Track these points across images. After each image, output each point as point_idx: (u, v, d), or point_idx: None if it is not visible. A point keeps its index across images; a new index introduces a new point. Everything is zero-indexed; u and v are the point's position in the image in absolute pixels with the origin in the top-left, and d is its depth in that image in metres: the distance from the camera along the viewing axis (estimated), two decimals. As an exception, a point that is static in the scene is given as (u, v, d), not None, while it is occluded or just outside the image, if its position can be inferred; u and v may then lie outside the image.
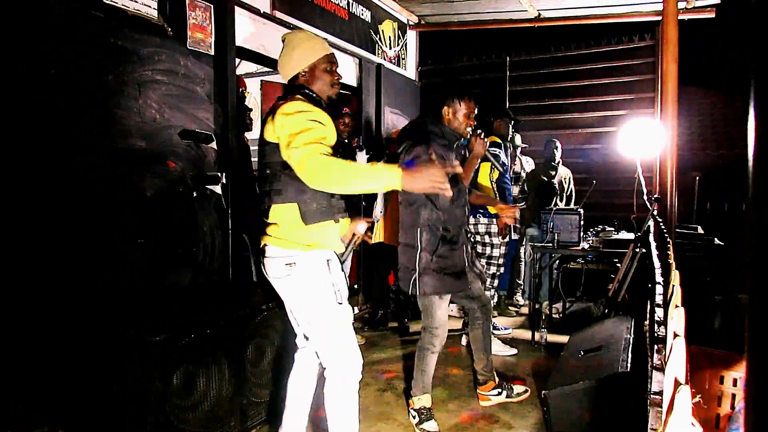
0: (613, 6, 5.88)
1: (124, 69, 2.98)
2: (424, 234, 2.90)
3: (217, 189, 3.59)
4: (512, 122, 4.81)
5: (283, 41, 2.35)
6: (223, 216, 3.63)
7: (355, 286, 5.53)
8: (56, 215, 2.64)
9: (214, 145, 3.57)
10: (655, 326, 1.21)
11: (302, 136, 2.00)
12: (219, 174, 3.60)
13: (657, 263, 2.20)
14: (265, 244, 2.25)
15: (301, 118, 2.06)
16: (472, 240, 3.92)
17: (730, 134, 9.97)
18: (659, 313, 1.31)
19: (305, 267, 2.18)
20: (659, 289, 1.62)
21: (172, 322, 2.49)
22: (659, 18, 5.78)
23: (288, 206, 2.16)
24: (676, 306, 0.97)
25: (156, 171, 3.16)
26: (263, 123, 2.26)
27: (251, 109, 4.81)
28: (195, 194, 3.42)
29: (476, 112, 3.03)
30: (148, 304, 2.96)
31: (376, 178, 1.91)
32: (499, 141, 4.60)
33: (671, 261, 1.63)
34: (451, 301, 3.14)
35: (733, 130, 9.99)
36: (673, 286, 1.15)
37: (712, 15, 5.72)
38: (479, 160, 3.34)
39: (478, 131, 3.12)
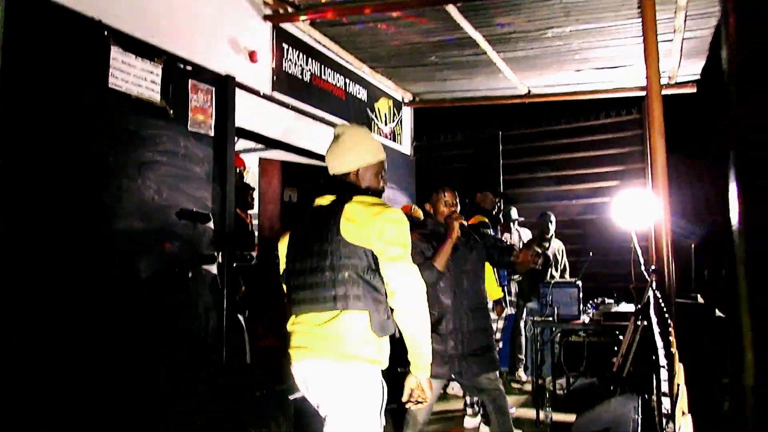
0: (599, 82, 6.12)
1: (125, 150, 3.04)
2: None
3: (213, 269, 3.57)
4: (497, 196, 4.82)
5: (337, 135, 2.25)
6: (219, 296, 3.59)
7: None
8: (47, 298, 2.61)
9: (211, 224, 3.58)
10: (663, 422, 1.18)
11: (408, 251, 1.98)
12: (215, 254, 3.59)
13: (660, 343, 2.16)
14: (309, 359, 2.02)
15: (406, 231, 2.00)
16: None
17: (721, 201, 10.08)
18: (666, 404, 1.28)
19: (368, 384, 1.97)
20: (663, 374, 1.58)
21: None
22: (644, 93, 6.00)
23: (361, 314, 1.95)
24: (683, 413, 0.94)
25: (152, 251, 3.15)
26: (331, 219, 2.04)
27: (254, 188, 4.87)
28: (190, 274, 3.40)
29: (456, 199, 3.18)
30: (137, 390, 2.87)
31: (425, 349, 1.99)
32: (485, 219, 4.59)
33: (674, 350, 1.60)
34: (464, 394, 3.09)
35: (724, 198, 10.11)
36: (678, 385, 1.13)
37: (694, 90, 5.96)
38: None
39: (457, 213, 3.15)
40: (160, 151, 3.26)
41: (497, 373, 3.22)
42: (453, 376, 3.03)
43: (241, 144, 5.95)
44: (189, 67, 3.54)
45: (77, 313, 2.72)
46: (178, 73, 3.44)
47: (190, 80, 3.54)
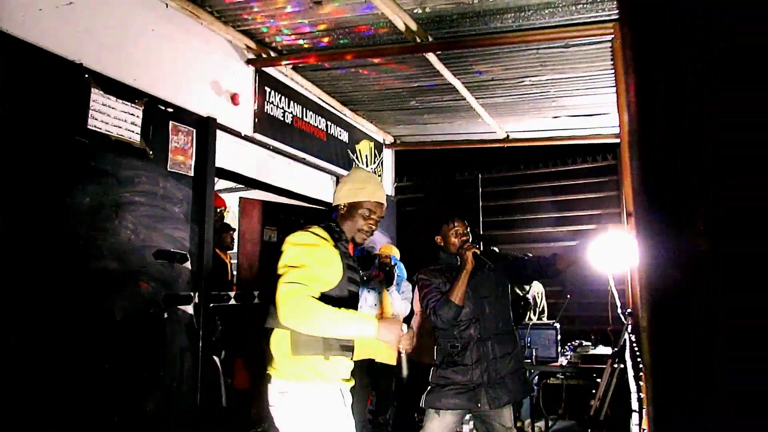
0: (576, 129, 6.29)
1: (102, 191, 3.03)
2: (437, 350, 3.11)
3: (190, 309, 3.53)
4: (476, 238, 4.84)
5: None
6: (194, 337, 3.54)
7: None
8: (18, 339, 2.55)
9: (188, 264, 3.56)
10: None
11: (294, 272, 2.01)
12: (192, 294, 3.56)
13: (633, 387, 2.18)
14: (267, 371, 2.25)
15: (301, 253, 2.09)
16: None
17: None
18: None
19: (294, 400, 2.11)
20: (635, 418, 1.59)
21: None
22: (618, 140, 6.17)
23: (283, 333, 2.13)
24: None
25: (127, 292, 3.12)
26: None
27: (234, 229, 4.86)
28: (166, 315, 3.35)
29: (467, 228, 3.18)
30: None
31: (351, 326, 2.01)
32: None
33: (643, 394, 1.62)
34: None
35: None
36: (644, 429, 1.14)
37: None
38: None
39: (466, 243, 3.09)
40: (138, 191, 3.26)
41: (512, 415, 3.10)
42: (471, 407, 2.95)
43: (221, 184, 5.98)
44: (170, 109, 3.57)
45: (48, 353, 2.65)
46: (159, 114, 3.47)
47: (171, 122, 3.57)
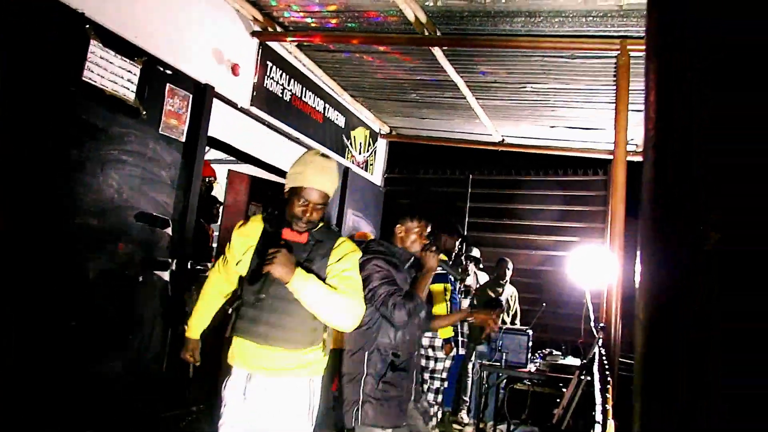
0: (571, 140, 6.32)
1: (90, 145, 2.98)
2: (371, 358, 2.63)
3: (165, 276, 3.49)
4: (458, 238, 4.76)
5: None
6: (168, 304, 3.51)
7: None
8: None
9: (169, 230, 3.52)
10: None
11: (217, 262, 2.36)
12: (169, 260, 3.52)
13: (598, 400, 2.20)
14: None
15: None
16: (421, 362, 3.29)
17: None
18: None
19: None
20: (597, 430, 1.61)
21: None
22: (611, 156, 6.21)
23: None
24: None
25: (104, 251, 3.07)
26: None
27: (221, 203, 4.81)
28: (141, 279, 3.32)
29: (428, 230, 2.87)
30: (70, 391, 2.76)
31: None
32: (444, 258, 4.53)
33: (608, 407, 1.64)
34: None
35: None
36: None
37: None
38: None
39: (431, 246, 2.83)
40: (126, 150, 3.21)
41: None
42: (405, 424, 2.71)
43: (211, 154, 5.91)
44: (169, 71, 3.52)
45: (14, 305, 2.61)
46: (156, 75, 3.42)
47: (168, 84, 3.51)
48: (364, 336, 2.62)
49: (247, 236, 2.16)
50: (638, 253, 0.43)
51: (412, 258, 2.81)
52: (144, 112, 3.33)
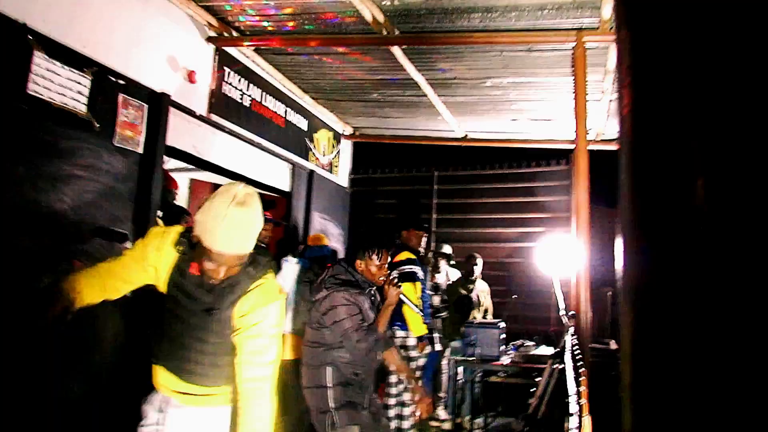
0: (533, 132, 6.40)
1: (40, 161, 2.86)
2: (332, 372, 2.86)
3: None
4: (425, 233, 4.75)
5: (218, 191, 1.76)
6: (130, 321, 3.40)
7: None
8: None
9: (129, 244, 3.42)
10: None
11: None
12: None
13: (572, 389, 2.22)
14: None
15: None
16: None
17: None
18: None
19: None
20: (573, 421, 1.62)
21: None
22: (573, 146, 6.32)
23: None
24: None
25: (60, 270, 2.95)
26: None
27: (190, 214, 4.69)
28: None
29: (389, 260, 3.11)
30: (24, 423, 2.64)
31: None
32: (413, 257, 4.48)
33: (583, 401, 1.64)
34: None
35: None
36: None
37: (618, 147, 6.32)
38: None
39: (393, 279, 3.13)
40: (80, 164, 3.10)
41: None
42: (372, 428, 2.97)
43: (172, 164, 5.78)
44: (121, 81, 3.41)
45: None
46: (108, 85, 3.31)
47: (120, 94, 3.41)
48: (324, 355, 2.87)
49: (161, 252, 1.82)
50: (620, 243, 0.42)
51: (374, 286, 3.04)
52: (97, 125, 3.22)
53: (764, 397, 0.32)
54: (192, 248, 1.74)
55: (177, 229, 1.86)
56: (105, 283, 1.86)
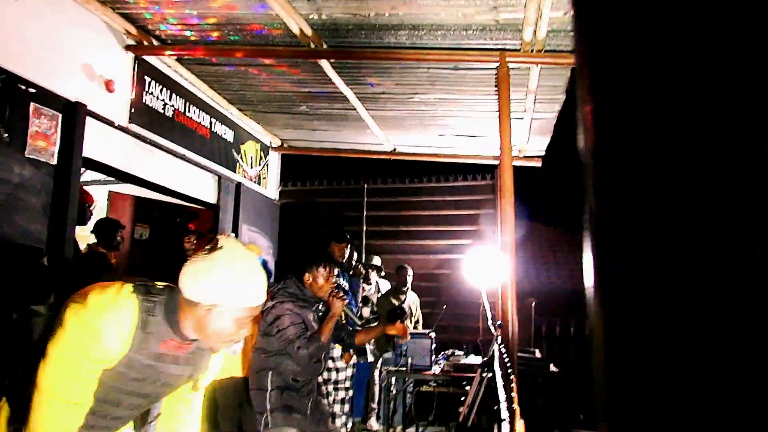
0: (459, 147, 6.58)
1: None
2: (272, 376, 3.03)
3: (44, 311, 3.17)
4: (347, 244, 4.77)
5: (210, 248, 1.55)
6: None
7: None
8: None
9: (45, 261, 3.21)
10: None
11: None
12: (49, 295, 3.20)
13: (502, 396, 2.29)
14: None
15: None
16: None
17: (561, 264, 11.20)
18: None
19: None
20: (505, 427, 1.67)
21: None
22: (497, 162, 6.55)
23: None
24: None
25: None
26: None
27: (124, 227, 4.46)
28: (15, 316, 2.98)
29: (335, 274, 3.26)
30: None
31: None
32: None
33: (515, 406, 1.70)
34: None
35: (564, 261, 11.26)
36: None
37: (539, 164, 6.64)
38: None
39: (339, 292, 3.30)
40: (-14, 178, 2.89)
41: None
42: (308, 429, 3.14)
43: (89, 175, 5.49)
44: (32, 90, 3.22)
45: None
46: (17, 94, 3.11)
47: (32, 103, 3.21)
48: (267, 361, 3.04)
49: (120, 336, 1.46)
50: (588, 252, 0.44)
51: (321, 301, 3.20)
52: (6, 135, 3.01)
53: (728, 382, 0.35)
54: (168, 323, 1.51)
55: (129, 299, 1.49)
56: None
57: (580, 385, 5.98)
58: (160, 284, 1.58)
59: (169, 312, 1.51)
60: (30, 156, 3.19)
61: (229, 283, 1.48)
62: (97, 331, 1.43)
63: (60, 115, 3.41)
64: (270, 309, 3.06)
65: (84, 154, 3.62)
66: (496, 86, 4.50)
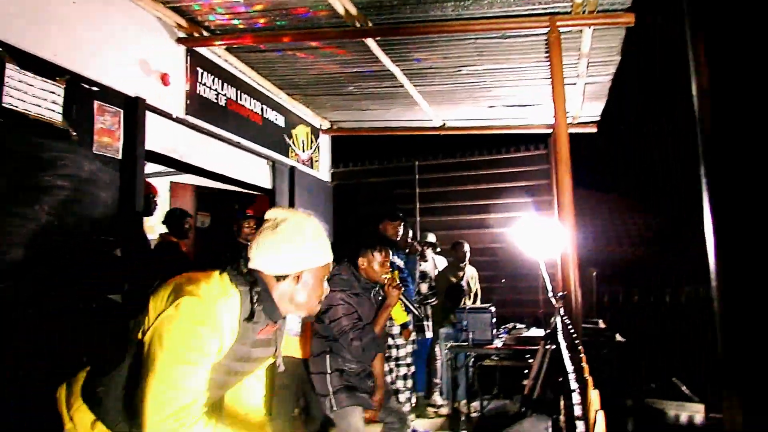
0: (510, 118, 6.45)
1: (20, 175, 2.81)
2: (330, 359, 3.06)
3: (119, 299, 3.35)
4: (400, 222, 4.73)
5: (273, 223, 1.58)
6: (124, 327, 3.36)
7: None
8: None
9: (118, 252, 3.37)
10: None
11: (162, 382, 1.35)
12: (123, 283, 3.38)
13: (570, 367, 2.26)
14: None
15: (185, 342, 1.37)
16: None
17: (621, 233, 10.87)
18: (580, 427, 1.33)
19: None
20: (576, 398, 1.65)
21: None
22: (551, 131, 6.39)
23: None
24: None
25: (51, 283, 2.91)
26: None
27: (191, 215, 4.65)
28: (95, 305, 3.17)
29: (390, 258, 3.19)
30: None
31: None
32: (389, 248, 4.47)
33: (587, 376, 1.68)
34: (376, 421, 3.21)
35: (624, 230, 10.92)
36: (597, 411, 1.18)
37: (594, 130, 6.43)
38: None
39: (395, 280, 3.20)
40: (61, 175, 3.05)
41: None
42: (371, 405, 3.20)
43: (151, 167, 5.71)
44: (95, 88, 3.36)
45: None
46: (82, 93, 3.25)
47: (95, 101, 3.35)
48: (324, 345, 3.09)
49: (221, 338, 1.44)
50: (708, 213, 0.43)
51: (377, 286, 3.15)
52: (74, 134, 3.16)
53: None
54: (264, 302, 1.53)
55: (232, 288, 1.48)
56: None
57: (648, 354, 5.83)
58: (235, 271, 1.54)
59: (266, 296, 1.53)
60: (97, 152, 3.34)
61: (307, 247, 1.55)
62: (216, 321, 1.41)
63: (122, 111, 3.55)
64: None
65: (146, 147, 3.76)
66: (546, 52, 4.37)
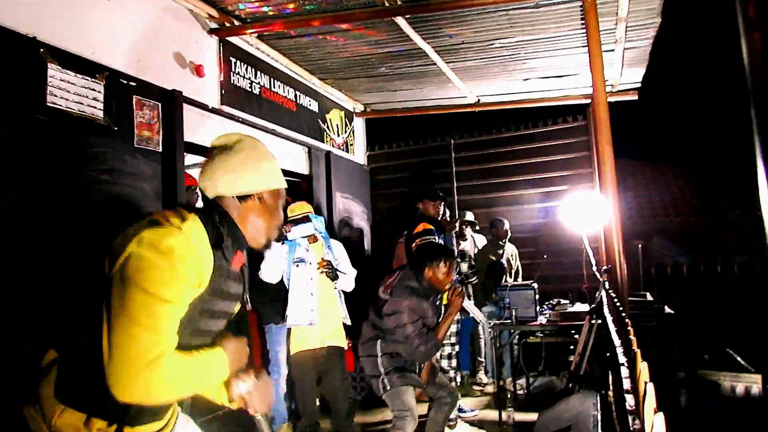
0: (546, 91, 6.29)
1: (69, 171, 2.90)
2: (381, 344, 3.33)
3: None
4: (441, 201, 4.70)
5: (226, 146, 1.56)
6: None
7: None
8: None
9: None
10: (629, 419, 1.20)
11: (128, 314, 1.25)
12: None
13: (617, 341, 2.22)
14: None
15: (151, 277, 1.27)
16: None
17: (667, 203, 10.54)
18: (630, 401, 1.31)
19: None
20: (624, 371, 1.62)
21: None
22: (589, 101, 6.20)
23: None
24: (655, 412, 0.96)
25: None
26: None
27: None
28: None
29: (454, 269, 3.42)
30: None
31: (212, 376, 1.43)
32: (431, 227, 4.36)
33: (635, 348, 1.64)
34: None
35: (670, 200, 10.58)
36: (646, 383, 1.15)
37: (635, 97, 6.21)
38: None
39: (457, 287, 3.48)
40: (106, 169, 3.14)
41: None
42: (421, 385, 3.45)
43: (189, 159, 5.82)
44: (133, 83, 3.43)
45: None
46: (121, 89, 3.33)
47: (134, 96, 3.43)
48: (377, 333, 3.37)
49: (200, 265, 1.37)
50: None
51: (439, 293, 3.41)
52: (115, 128, 3.25)
53: None
54: (234, 238, 1.48)
55: (193, 217, 1.40)
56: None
57: (700, 326, 5.67)
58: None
59: (228, 219, 1.49)
60: (138, 146, 3.42)
61: (268, 167, 1.56)
62: (191, 246, 1.33)
63: (159, 105, 3.62)
64: (388, 300, 3.31)
65: (184, 139, 3.84)
66: (582, 19, 4.22)
